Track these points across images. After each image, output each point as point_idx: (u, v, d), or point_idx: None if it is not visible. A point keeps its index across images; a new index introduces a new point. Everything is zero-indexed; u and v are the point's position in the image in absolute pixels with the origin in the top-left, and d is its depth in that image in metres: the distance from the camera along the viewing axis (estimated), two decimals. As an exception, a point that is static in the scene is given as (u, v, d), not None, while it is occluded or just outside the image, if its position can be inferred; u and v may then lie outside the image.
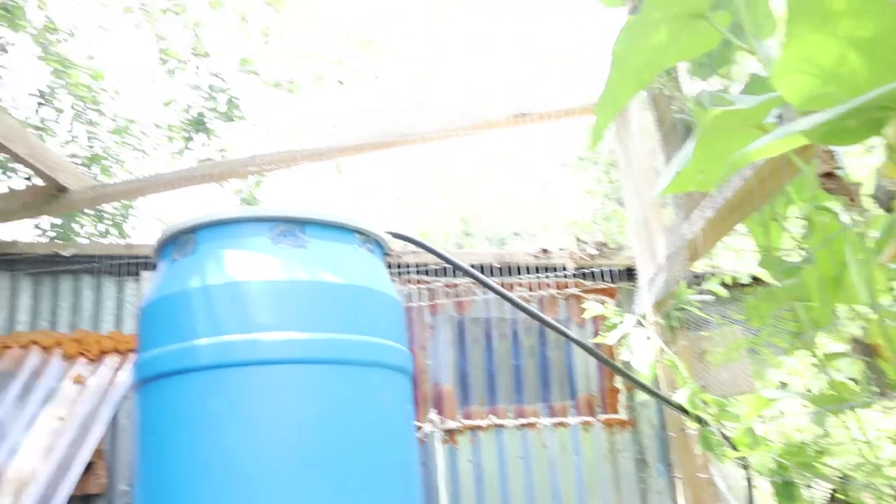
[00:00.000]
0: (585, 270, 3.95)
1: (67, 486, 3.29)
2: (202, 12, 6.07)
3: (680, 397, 2.74)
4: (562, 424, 3.81)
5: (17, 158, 3.60)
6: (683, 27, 1.35)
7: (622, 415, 3.89)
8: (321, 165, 4.75)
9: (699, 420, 2.71)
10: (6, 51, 5.47)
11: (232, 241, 2.20)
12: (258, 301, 2.10)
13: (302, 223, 2.22)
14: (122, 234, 6.18)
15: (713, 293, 3.15)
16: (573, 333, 2.81)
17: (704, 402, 2.78)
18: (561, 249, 3.96)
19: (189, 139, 6.12)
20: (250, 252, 2.17)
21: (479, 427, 3.74)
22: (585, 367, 4.01)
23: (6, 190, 4.21)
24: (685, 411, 2.71)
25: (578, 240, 3.97)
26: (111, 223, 6.03)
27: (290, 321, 2.08)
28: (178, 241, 2.31)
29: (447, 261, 2.67)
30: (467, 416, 3.83)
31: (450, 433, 3.71)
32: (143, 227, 6.36)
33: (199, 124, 6.03)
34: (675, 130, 2.42)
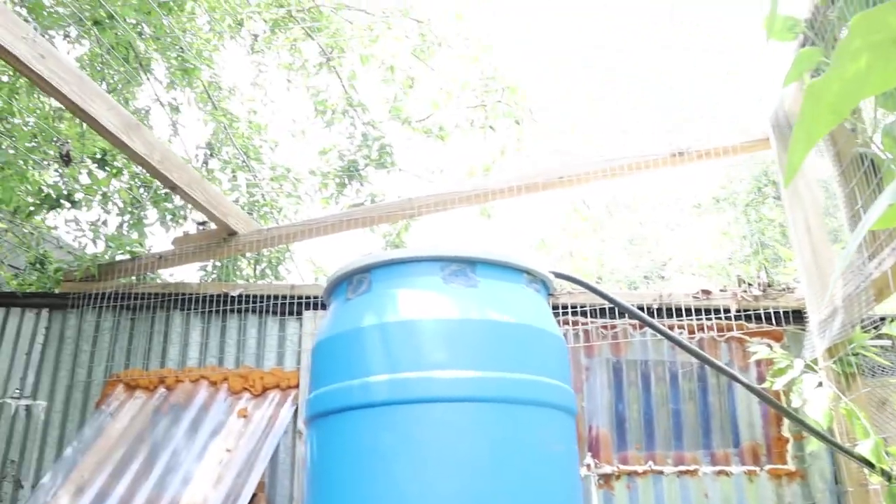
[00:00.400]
0: (749, 312, 3.78)
1: (235, 516, 3.45)
2: (354, 64, 6.41)
3: (863, 449, 2.57)
4: (724, 473, 3.63)
5: (196, 204, 3.91)
6: (885, 54, 1.31)
7: (790, 465, 3.66)
8: (472, 208, 4.84)
9: (886, 475, 2.53)
10: (179, 110, 6.00)
11: (405, 281, 2.26)
12: (431, 339, 2.14)
13: (473, 263, 2.26)
14: (277, 276, 6.48)
15: (894, 337, 2.94)
16: (740, 378, 2.69)
17: (890, 455, 2.59)
18: (722, 290, 3.81)
19: (343, 185, 6.41)
20: (423, 291, 2.23)
21: (636, 473, 3.62)
22: (749, 413, 3.80)
23: (181, 234, 4.55)
24: (870, 464, 2.54)
25: (741, 280, 3.81)
26: (267, 265, 6.35)
27: (463, 359, 2.10)
28: (352, 280, 2.40)
29: (613, 302, 2.62)
30: (624, 461, 3.73)
31: (605, 478, 3.62)
32: (296, 268, 6.65)
33: (352, 171, 6.30)
34: (857, 165, 2.30)
